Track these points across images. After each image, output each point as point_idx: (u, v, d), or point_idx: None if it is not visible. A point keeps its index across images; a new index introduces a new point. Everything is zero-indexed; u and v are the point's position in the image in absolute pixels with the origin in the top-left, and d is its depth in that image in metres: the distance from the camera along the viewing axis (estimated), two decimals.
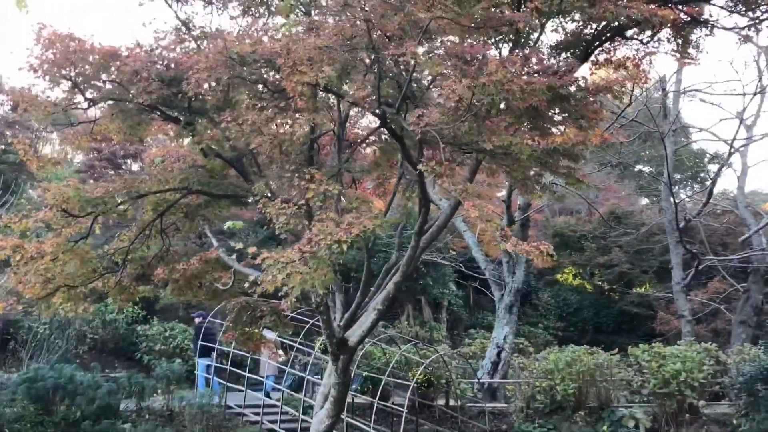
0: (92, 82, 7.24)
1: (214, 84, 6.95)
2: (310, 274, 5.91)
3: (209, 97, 7.25)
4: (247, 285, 6.29)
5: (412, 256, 10.08)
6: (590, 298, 40.17)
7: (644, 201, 49.08)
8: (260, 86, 7.32)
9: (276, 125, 6.80)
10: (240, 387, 17.05)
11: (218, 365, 18.19)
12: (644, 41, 12.00)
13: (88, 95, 7.54)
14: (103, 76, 7.22)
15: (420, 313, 33.28)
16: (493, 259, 25.42)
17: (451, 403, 18.34)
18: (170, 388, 16.14)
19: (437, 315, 34.15)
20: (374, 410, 14.89)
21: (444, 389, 17.92)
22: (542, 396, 17.01)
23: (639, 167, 46.08)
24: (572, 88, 6.90)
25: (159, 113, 7.82)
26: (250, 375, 17.11)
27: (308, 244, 6.04)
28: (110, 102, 7.69)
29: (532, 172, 8.26)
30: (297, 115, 6.65)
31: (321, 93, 7.73)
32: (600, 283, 41.35)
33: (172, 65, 7.23)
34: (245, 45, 6.89)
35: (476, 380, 19.94)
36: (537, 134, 6.62)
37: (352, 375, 16.39)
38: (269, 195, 7.34)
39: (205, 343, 17.91)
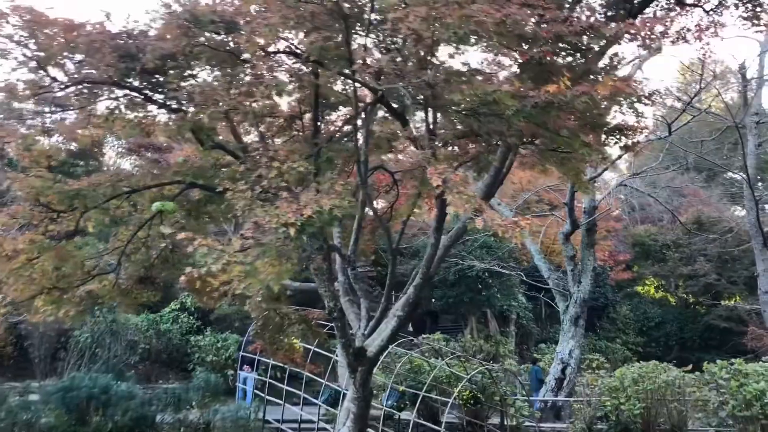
0: (56, 60, 6.58)
1: (175, 55, 6.12)
2: (254, 266, 4.89)
3: (172, 72, 6.42)
4: (183, 279, 5.35)
5: (432, 255, 8.95)
6: (674, 312, 37.43)
7: (736, 210, 45.68)
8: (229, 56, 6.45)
9: (242, 97, 5.86)
10: (278, 401, 16.24)
11: (258, 377, 17.46)
12: (707, 9, 10.49)
13: (57, 76, 6.89)
14: (66, 53, 6.55)
15: (485, 326, 31.76)
16: (558, 268, 23.75)
17: (507, 422, 16.90)
18: (205, 401, 15.51)
19: (504, 329, 32.51)
20: (410, 428, 13.68)
21: (499, 408, 16.49)
22: (606, 416, 15.40)
23: (730, 174, 42.92)
24: (585, 38, 5.65)
25: (128, 91, 7.03)
26: (288, 388, 16.25)
27: (255, 230, 5.04)
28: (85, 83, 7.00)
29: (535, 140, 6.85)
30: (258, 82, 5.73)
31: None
32: (684, 295, 38.56)
33: (140, 38, 6.45)
34: (202, 7, 6.05)
35: (531, 398, 18.43)
36: (529, 86, 5.37)
37: (388, 390, 15.31)
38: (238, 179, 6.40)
39: (245, 354, 17.25)
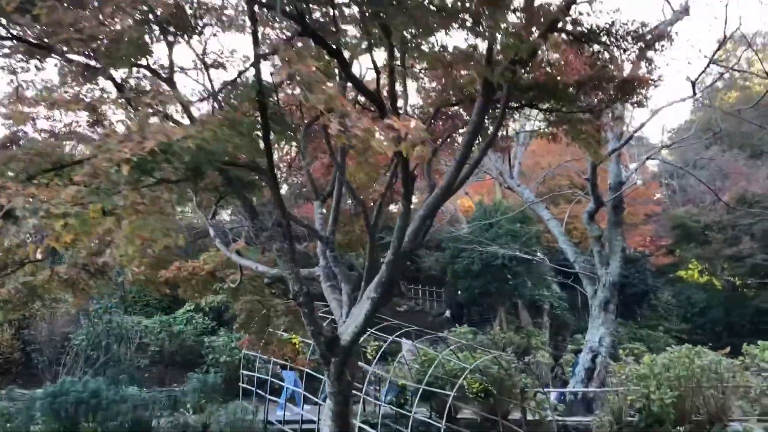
0: None
1: None
2: (83, 218, 3.78)
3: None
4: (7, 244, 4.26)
5: (402, 226, 7.80)
6: (720, 296, 35.39)
7: None
8: None
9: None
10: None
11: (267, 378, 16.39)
12: None
13: None
14: None
15: (516, 317, 30.31)
16: (584, 251, 22.25)
17: (530, 417, 15.58)
18: (201, 402, 14.60)
19: (537, 320, 31.00)
20: (411, 423, 12.46)
21: (518, 402, 15.17)
22: (642, 408, 14.05)
23: None
24: None
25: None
26: (289, 386, 15.18)
27: (90, 174, 3.94)
28: None
29: None
30: None
31: None
32: (731, 278, 36.40)
33: None
34: None
35: (555, 390, 17.12)
36: None
37: (387, 384, 14.15)
38: None
39: None
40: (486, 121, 9.44)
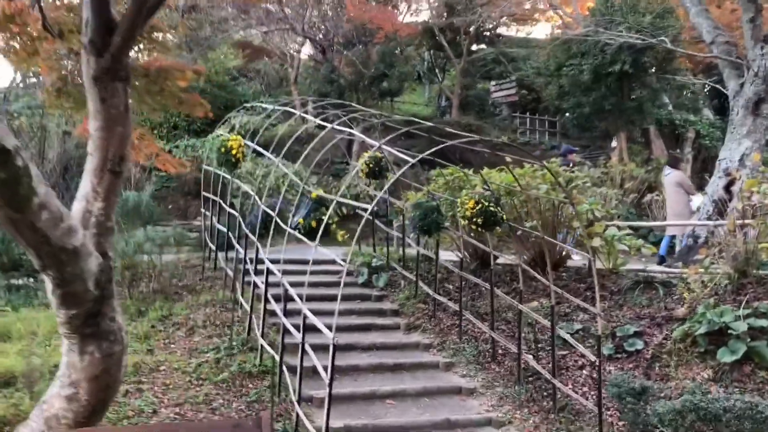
0: None
1: None
2: None
3: None
4: None
5: None
6: None
7: None
8: None
9: None
10: None
11: None
12: None
13: None
14: None
15: (647, 147, 23.42)
16: (730, 24, 14.82)
17: (602, 266, 9.87)
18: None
19: (675, 150, 23.83)
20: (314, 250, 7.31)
21: (573, 239, 9.48)
22: None
23: None
24: None
25: None
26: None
27: None
28: None
29: None
30: None
31: None
32: None
33: None
34: None
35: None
36: None
37: (297, 200, 8.84)
38: None
39: None
40: None
